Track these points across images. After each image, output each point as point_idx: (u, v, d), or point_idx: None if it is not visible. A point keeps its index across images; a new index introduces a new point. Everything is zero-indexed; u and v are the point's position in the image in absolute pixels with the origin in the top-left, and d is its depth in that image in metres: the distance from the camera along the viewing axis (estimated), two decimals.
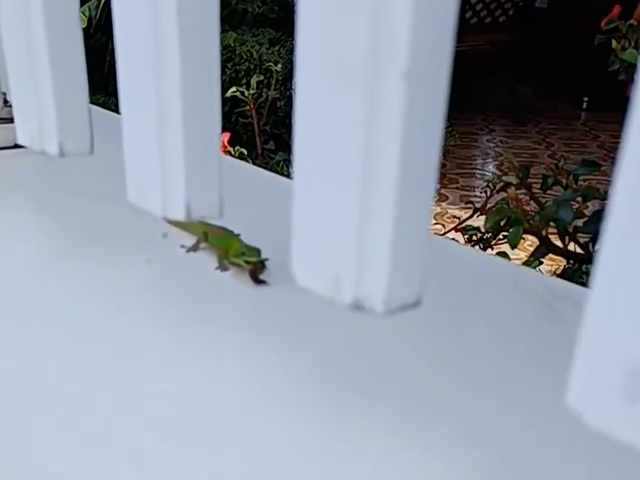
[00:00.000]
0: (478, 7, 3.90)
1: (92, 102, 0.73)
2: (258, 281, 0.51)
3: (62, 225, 0.59)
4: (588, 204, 1.02)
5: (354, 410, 0.39)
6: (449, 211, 2.84)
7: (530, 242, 1.68)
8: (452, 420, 0.38)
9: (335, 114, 0.26)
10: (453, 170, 3.37)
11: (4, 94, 0.71)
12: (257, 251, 0.52)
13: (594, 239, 0.94)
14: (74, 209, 0.62)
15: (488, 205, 1.36)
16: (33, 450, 0.36)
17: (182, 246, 0.56)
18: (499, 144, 3.82)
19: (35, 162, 0.68)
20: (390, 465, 0.35)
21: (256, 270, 0.52)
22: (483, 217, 1.21)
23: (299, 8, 0.26)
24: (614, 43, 0.99)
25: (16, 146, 0.72)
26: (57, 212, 0.62)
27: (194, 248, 0.56)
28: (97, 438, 0.36)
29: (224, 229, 0.54)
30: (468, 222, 1.43)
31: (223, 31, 3.20)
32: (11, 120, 0.47)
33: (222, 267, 0.53)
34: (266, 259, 0.52)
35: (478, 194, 2.91)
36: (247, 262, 0.51)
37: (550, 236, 0.99)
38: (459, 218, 1.60)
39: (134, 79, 0.37)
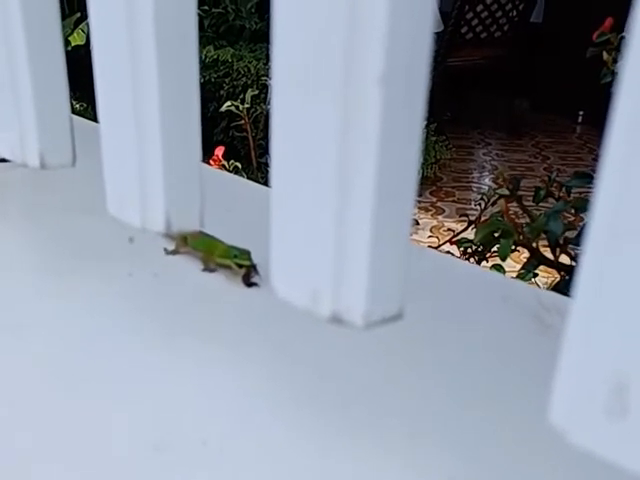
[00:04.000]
0: (474, 22, 3.91)
1: (89, 117, 0.73)
2: (250, 284, 0.51)
3: (45, 239, 0.59)
4: (583, 216, 1.01)
5: (344, 425, 0.38)
6: (445, 224, 2.83)
7: (526, 254, 1.67)
8: (440, 435, 0.37)
9: (309, 125, 0.26)
10: (449, 183, 3.37)
11: None
12: (248, 254, 0.51)
13: None
14: (58, 223, 0.61)
15: (483, 218, 1.35)
16: (17, 462, 0.35)
17: (165, 249, 0.55)
18: (495, 157, 3.82)
19: (21, 176, 0.68)
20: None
21: (250, 273, 0.51)
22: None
23: (274, 9, 0.25)
24: (605, 55, 0.99)
25: (3, 160, 0.72)
26: (41, 226, 0.61)
27: (174, 252, 0.55)
28: (84, 454, 0.36)
29: (203, 233, 0.53)
30: (463, 235, 1.43)
31: (221, 47, 3.21)
32: None
33: (209, 269, 0.52)
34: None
35: (474, 207, 2.91)
36: (240, 266, 0.51)
37: (542, 248, 0.98)
38: (455, 231, 1.59)
39: (112, 92, 0.36)
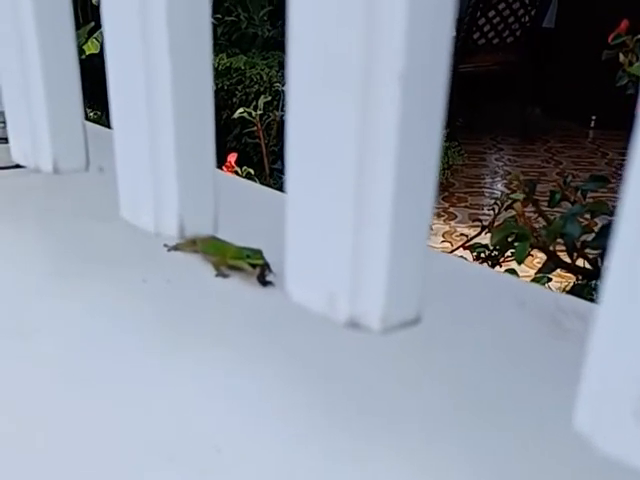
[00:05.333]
0: (486, 28, 3.90)
1: (103, 125, 0.73)
2: (265, 283, 0.50)
3: (60, 245, 0.59)
4: (596, 220, 1.00)
5: (356, 431, 0.37)
6: (457, 229, 2.82)
7: (539, 259, 1.67)
8: (456, 443, 0.37)
9: (326, 125, 0.25)
10: (462, 189, 3.35)
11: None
12: (260, 253, 0.51)
13: (603, 254, 0.92)
14: (72, 228, 0.61)
15: (496, 223, 1.34)
16: (21, 470, 0.34)
17: (165, 245, 0.55)
18: (507, 163, 3.80)
19: (35, 182, 0.68)
20: None
21: (264, 272, 0.51)
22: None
23: (290, 10, 0.25)
24: (621, 57, 0.98)
25: (17, 166, 0.72)
26: (55, 231, 0.61)
27: (176, 247, 0.55)
28: (90, 459, 0.35)
29: (213, 237, 0.53)
30: (476, 240, 1.41)
31: (233, 55, 3.22)
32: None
33: (222, 274, 0.52)
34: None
35: (487, 212, 2.90)
36: (254, 265, 0.51)
37: (558, 252, 0.97)
38: (467, 236, 1.58)
39: (126, 96, 0.36)
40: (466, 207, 3.13)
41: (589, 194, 1.11)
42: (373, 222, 0.26)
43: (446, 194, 3.25)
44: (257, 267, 0.51)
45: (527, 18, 3.96)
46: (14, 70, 0.42)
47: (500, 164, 3.79)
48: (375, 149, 0.25)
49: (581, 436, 0.21)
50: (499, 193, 3.18)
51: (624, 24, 1.06)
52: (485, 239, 1.41)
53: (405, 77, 0.23)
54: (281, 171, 2.34)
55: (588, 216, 1.01)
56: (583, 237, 0.92)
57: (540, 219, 1.09)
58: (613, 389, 0.20)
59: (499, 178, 3.62)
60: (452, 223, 2.93)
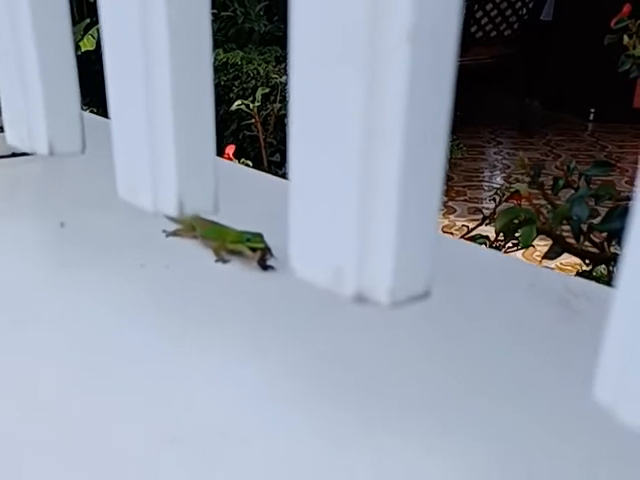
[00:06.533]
0: (483, 21, 3.90)
1: None
2: (266, 267, 0.50)
3: (58, 232, 0.58)
4: (597, 207, 0.99)
5: (362, 415, 0.36)
6: (457, 223, 2.81)
7: (539, 252, 1.66)
8: (467, 424, 0.36)
9: (331, 89, 0.24)
10: (460, 183, 3.35)
11: None
12: (261, 236, 0.50)
13: (610, 238, 0.91)
14: (69, 216, 0.60)
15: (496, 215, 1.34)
16: (31, 457, 0.34)
17: (163, 231, 0.54)
18: (506, 156, 3.80)
19: (32, 170, 0.67)
20: (402, 471, 0.33)
21: (264, 256, 0.50)
22: (492, 227, 1.19)
23: None
24: (626, 39, 0.97)
25: (13, 155, 0.71)
26: (53, 219, 0.60)
27: (175, 233, 0.54)
28: (96, 447, 0.34)
29: (212, 221, 0.52)
30: (477, 231, 1.41)
31: (230, 50, 3.21)
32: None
33: (222, 259, 0.51)
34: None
35: (486, 205, 2.89)
36: (254, 249, 0.50)
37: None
38: (468, 227, 1.58)
39: (123, 72, 0.35)
40: (465, 201, 3.12)
41: (592, 181, 1.10)
42: (380, 193, 0.25)
43: (445, 188, 3.24)
44: (257, 251, 0.50)
45: (525, 11, 3.96)
46: (8, 50, 0.41)
47: (499, 157, 3.78)
48: (382, 117, 0.24)
49: (603, 408, 0.20)
50: (498, 186, 3.17)
51: (627, 8, 1.05)
52: (486, 231, 1.40)
53: (414, 38, 0.22)
54: (279, 164, 2.32)
55: (594, 200, 0.99)
56: (589, 221, 0.91)
57: (548, 202, 1.08)
58: (637, 360, 0.19)
59: (498, 172, 3.62)
60: (451, 217, 2.93)
